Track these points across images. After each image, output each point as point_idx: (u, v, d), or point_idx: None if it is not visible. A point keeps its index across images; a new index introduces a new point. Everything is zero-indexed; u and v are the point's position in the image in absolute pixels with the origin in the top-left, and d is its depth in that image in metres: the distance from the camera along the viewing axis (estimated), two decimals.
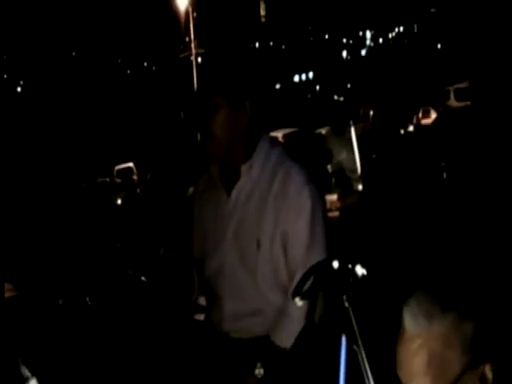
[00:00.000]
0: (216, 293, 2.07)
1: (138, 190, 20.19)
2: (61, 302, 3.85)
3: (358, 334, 1.14)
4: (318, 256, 1.89)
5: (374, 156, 11.25)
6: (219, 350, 2.04)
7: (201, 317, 2.28)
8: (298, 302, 1.21)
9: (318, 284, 1.23)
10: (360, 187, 6.11)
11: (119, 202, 16.92)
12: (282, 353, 1.91)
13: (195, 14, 33.81)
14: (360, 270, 1.22)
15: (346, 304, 1.15)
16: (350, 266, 1.21)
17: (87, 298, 3.82)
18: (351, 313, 1.15)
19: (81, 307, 3.77)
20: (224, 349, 2.03)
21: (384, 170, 9.81)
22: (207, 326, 2.12)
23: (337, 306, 1.16)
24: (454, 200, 6.59)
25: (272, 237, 1.96)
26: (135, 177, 24.62)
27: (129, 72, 60.65)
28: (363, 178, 6.13)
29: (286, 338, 1.93)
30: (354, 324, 1.16)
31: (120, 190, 20.65)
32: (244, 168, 2.05)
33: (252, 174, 2.04)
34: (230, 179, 2.07)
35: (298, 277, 1.90)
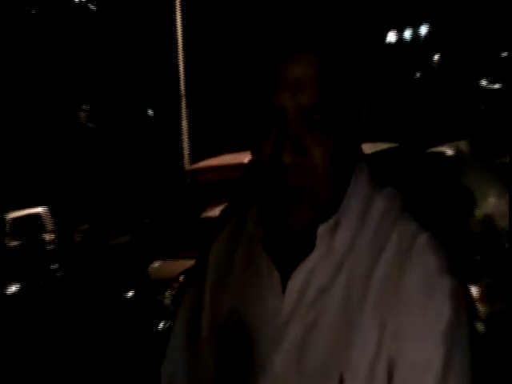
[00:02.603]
0: None
1: (56, 266, 18.66)
2: None
3: None
4: None
5: None
6: None
7: None
8: None
9: None
10: None
11: (12, 290, 15.52)
12: None
13: None
14: None
15: None
16: None
17: None
18: None
19: None
20: None
21: None
22: None
23: None
24: None
25: (371, 369, 1.90)
26: (48, 236, 23.13)
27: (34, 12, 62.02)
28: None
29: None
30: None
31: (15, 266, 18.63)
32: (323, 229, 1.91)
33: (336, 241, 1.95)
34: (288, 248, 2.03)
35: None
